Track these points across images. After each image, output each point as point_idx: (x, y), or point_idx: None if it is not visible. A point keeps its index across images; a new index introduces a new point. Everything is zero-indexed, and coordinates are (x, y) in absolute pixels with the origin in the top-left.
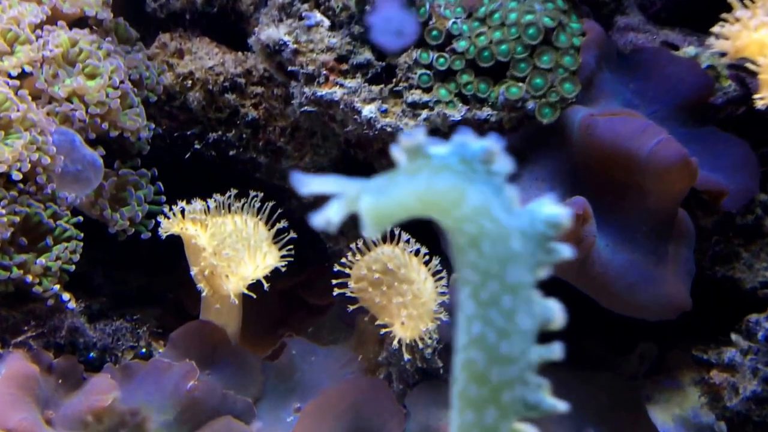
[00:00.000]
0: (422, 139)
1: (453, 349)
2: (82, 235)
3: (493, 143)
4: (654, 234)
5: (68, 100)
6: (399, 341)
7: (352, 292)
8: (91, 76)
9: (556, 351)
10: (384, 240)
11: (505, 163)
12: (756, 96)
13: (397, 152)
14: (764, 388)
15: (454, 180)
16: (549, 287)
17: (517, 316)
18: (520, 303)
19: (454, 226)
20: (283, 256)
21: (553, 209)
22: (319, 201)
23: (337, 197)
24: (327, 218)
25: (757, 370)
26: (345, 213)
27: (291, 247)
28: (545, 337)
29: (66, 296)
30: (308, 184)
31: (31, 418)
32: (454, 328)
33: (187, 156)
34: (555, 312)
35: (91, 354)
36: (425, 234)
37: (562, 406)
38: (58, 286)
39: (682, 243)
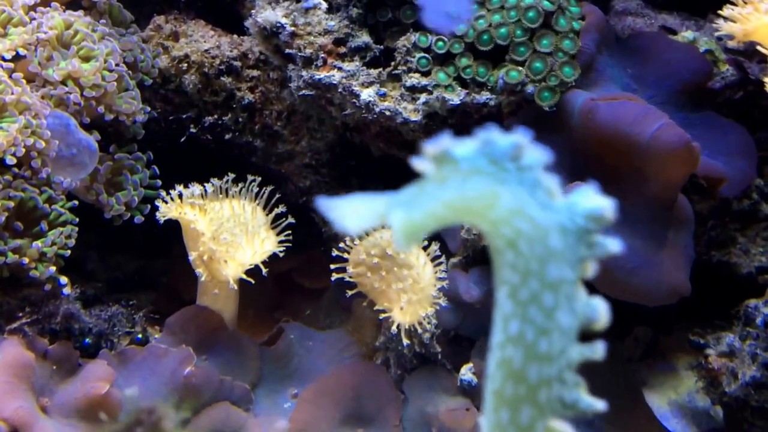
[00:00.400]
0: (447, 143)
1: (488, 347)
2: (77, 219)
3: (520, 137)
4: (654, 220)
5: (63, 83)
6: (398, 326)
7: (350, 277)
8: (86, 59)
9: (598, 350)
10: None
11: (536, 156)
12: (766, 79)
13: (422, 163)
14: (764, 374)
15: (485, 184)
16: None
17: (558, 313)
18: (562, 300)
19: (490, 230)
20: (281, 242)
21: (594, 201)
22: (316, 187)
23: (363, 211)
24: (347, 227)
25: (756, 355)
26: (374, 225)
27: (289, 232)
28: None
29: (63, 280)
30: (337, 208)
31: (27, 407)
32: (492, 326)
33: (182, 140)
34: (599, 310)
35: (87, 340)
36: None
37: (599, 405)
38: (54, 268)
39: (681, 229)
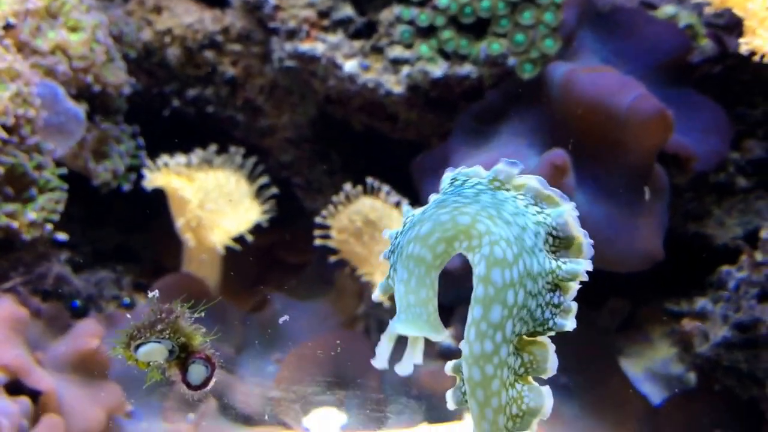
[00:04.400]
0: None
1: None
2: (66, 186)
3: None
4: (631, 188)
5: (51, 53)
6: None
7: (333, 243)
8: (74, 30)
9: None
10: (365, 192)
11: None
12: (742, 40)
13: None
14: (734, 334)
15: None
16: None
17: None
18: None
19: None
20: (265, 212)
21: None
22: (297, 162)
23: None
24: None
25: (727, 317)
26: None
27: (273, 202)
28: None
29: (60, 235)
30: (381, 360)
31: (24, 356)
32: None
33: (166, 113)
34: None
35: (76, 302)
36: (406, 186)
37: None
38: (51, 226)
39: (657, 196)
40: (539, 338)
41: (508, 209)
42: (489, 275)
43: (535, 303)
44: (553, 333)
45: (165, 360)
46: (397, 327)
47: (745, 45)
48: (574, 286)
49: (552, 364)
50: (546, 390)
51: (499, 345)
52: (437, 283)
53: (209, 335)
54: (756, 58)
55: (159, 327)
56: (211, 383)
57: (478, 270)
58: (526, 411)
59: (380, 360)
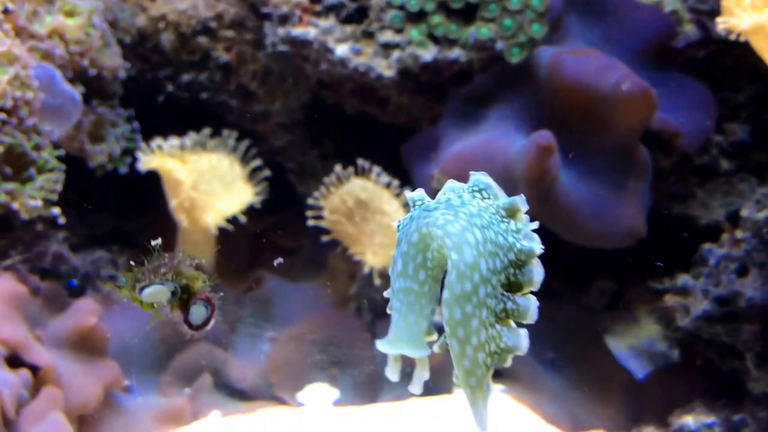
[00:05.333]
0: None
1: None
2: (63, 166)
3: None
4: (615, 167)
5: (48, 37)
6: (371, 269)
7: (326, 224)
8: (70, 14)
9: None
10: (356, 173)
11: None
12: (718, 20)
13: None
14: (714, 307)
15: None
16: None
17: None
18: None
19: None
20: (258, 194)
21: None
22: (290, 147)
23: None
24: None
25: (707, 291)
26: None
27: (266, 184)
28: None
29: (56, 210)
30: (394, 377)
31: (24, 332)
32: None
33: (161, 98)
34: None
35: (74, 280)
36: (398, 169)
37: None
38: (46, 205)
39: (640, 176)
40: (525, 291)
41: (465, 208)
42: (459, 241)
43: (494, 232)
44: (532, 287)
45: (168, 301)
46: (380, 346)
47: (721, 24)
48: (524, 216)
49: (533, 311)
50: (524, 332)
51: (477, 285)
52: (434, 299)
53: (209, 281)
54: (732, 37)
55: (162, 270)
56: (211, 323)
57: (449, 258)
58: (504, 349)
59: (393, 377)
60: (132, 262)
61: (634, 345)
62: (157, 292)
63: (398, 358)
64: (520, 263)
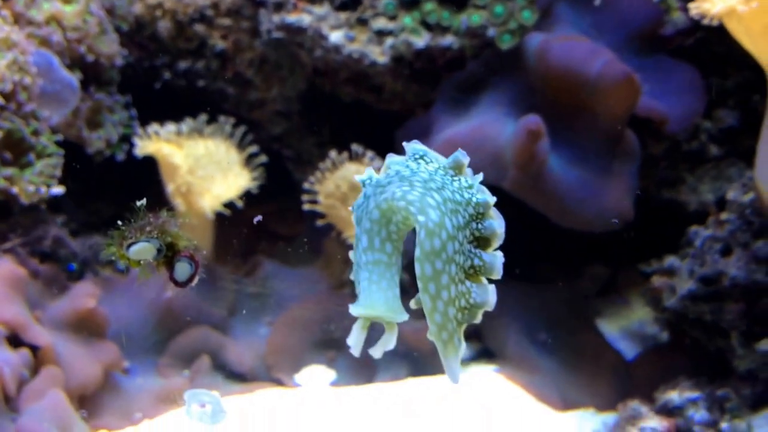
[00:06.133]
0: None
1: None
2: (62, 152)
3: None
4: (603, 152)
5: (46, 24)
6: None
7: (321, 208)
8: (67, 1)
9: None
10: (350, 158)
11: None
12: (691, 5)
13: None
14: (699, 287)
15: None
16: (505, 215)
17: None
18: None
19: None
20: (254, 179)
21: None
22: (287, 134)
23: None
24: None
25: (693, 271)
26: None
27: (262, 170)
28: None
29: (56, 189)
30: (356, 349)
31: (24, 314)
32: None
33: (158, 86)
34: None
35: (73, 264)
36: (389, 152)
37: (499, 227)
38: (44, 189)
39: (627, 160)
40: (493, 246)
41: (417, 176)
42: (423, 205)
43: (450, 191)
44: (498, 240)
45: (153, 258)
46: (354, 310)
47: (694, 9)
48: (468, 170)
49: (499, 267)
50: (492, 288)
51: (445, 242)
52: (400, 271)
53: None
54: (705, 22)
55: (148, 229)
56: (195, 280)
57: (417, 221)
58: (473, 304)
59: (355, 350)
60: (119, 222)
61: (624, 327)
62: (144, 250)
63: (365, 328)
64: (479, 216)
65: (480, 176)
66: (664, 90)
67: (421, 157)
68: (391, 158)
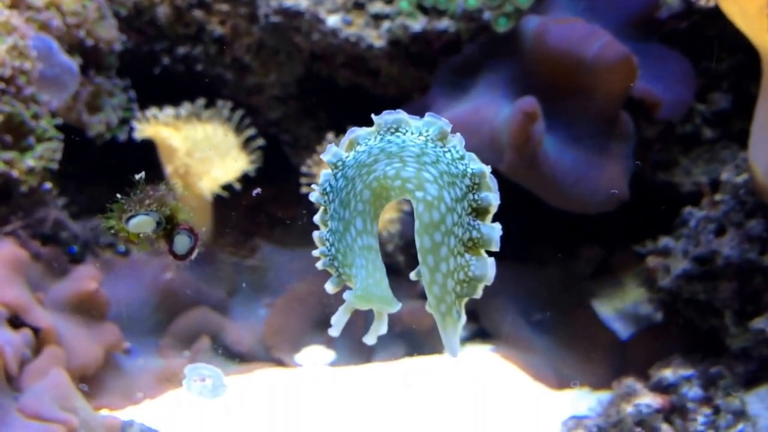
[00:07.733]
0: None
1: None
2: (62, 135)
3: None
4: (598, 134)
5: (46, 8)
6: None
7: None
8: None
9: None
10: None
11: None
12: None
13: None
14: (693, 266)
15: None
16: (501, 197)
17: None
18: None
19: None
20: (252, 162)
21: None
22: (284, 119)
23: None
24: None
25: (687, 251)
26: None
27: (260, 153)
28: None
29: (48, 185)
30: (336, 329)
31: (25, 296)
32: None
33: (157, 71)
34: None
35: (74, 247)
36: None
37: (494, 200)
38: (49, 184)
39: (622, 142)
40: (490, 215)
41: (407, 151)
42: (420, 182)
43: (444, 164)
44: (492, 209)
45: (153, 231)
46: (352, 300)
47: None
48: (452, 136)
49: (497, 239)
50: (491, 261)
51: (444, 214)
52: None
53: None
54: (702, 3)
55: (147, 202)
56: (194, 253)
57: (414, 197)
58: (472, 278)
59: (336, 329)
60: (118, 195)
61: (619, 308)
62: (143, 222)
63: (349, 310)
64: (475, 186)
65: (444, 123)
66: (656, 77)
67: (397, 129)
68: (356, 132)
